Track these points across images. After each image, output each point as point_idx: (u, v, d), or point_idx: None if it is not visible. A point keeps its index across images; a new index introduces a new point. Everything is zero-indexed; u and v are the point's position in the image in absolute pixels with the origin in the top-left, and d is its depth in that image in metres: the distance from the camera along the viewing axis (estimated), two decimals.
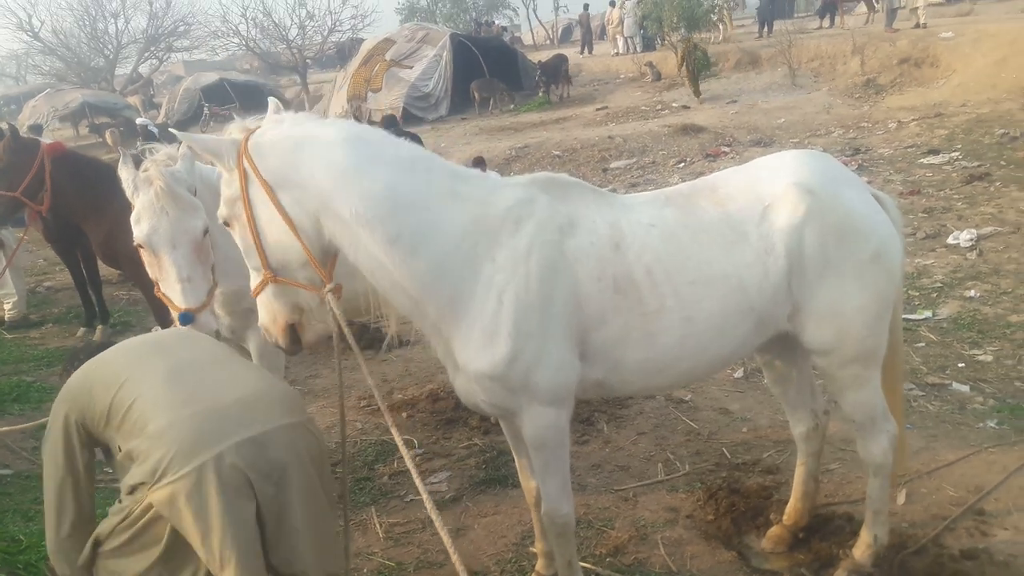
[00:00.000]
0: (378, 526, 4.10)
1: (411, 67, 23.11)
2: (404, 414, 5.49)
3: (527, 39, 42.95)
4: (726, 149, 15.09)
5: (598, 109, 20.79)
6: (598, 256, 2.81)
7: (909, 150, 13.14)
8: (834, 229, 2.92)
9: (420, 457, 4.80)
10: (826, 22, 25.27)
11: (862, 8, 24.97)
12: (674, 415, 5.13)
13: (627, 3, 26.79)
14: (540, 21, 45.93)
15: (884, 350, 3.17)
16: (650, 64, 23.96)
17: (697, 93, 19.95)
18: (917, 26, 20.01)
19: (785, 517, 3.70)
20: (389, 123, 10.41)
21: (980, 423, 4.73)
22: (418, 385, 6.07)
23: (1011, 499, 3.82)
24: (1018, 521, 3.65)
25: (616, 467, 4.51)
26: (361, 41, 31.20)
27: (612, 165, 14.97)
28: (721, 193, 3.02)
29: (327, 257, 2.70)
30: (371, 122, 21.54)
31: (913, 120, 14.93)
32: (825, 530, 3.70)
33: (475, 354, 2.73)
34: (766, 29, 25.53)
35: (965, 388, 5.22)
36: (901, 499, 3.92)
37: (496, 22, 41.05)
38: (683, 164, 14.50)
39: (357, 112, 23.06)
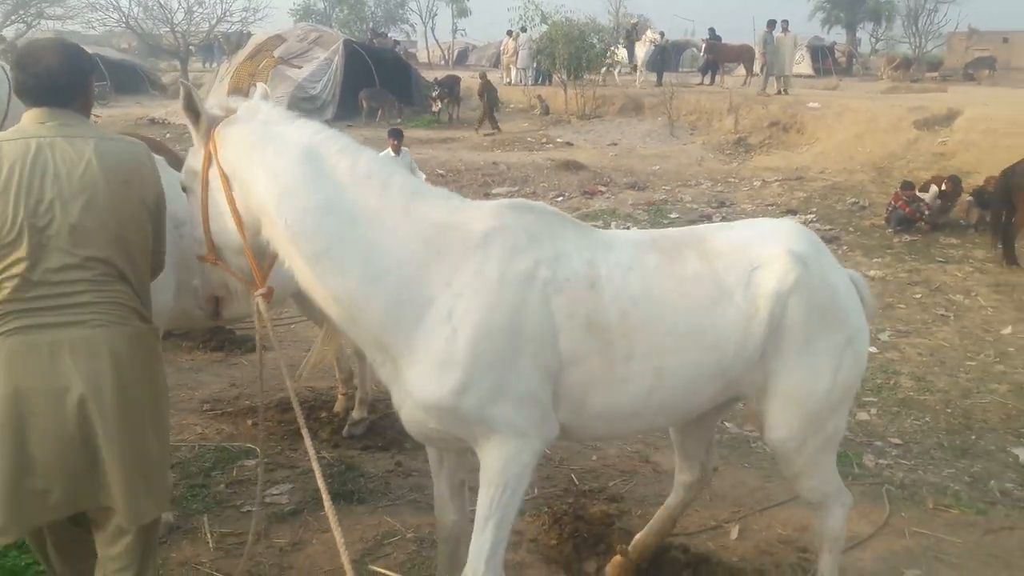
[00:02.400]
0: (209, 535, 3.87)
1: (300, 67, 22.60)
2: (250, 421, 5.24)
3: (422, 56, 42.96)
4: (603, 188, 15.58)
5: (486, 135, 20.99)
6: (572, 293, 2.67)
7: (769, 208, 13.99)
8: (819, 305, 2.86)
9: (262, 467, 4.58)
10: (708, 79, 26.65)
11: (741, 70, 26.51)
12: None
13: (521, 36, 27.31)
14: (437, 41, 46.15)
15: (841, 435, 3.12)
16: (540, 97, 24.48)
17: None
18: (778, 92, 21.45)
19: (631, 548, 3.63)
20: None
21: None
22: (268, 392, 5.79)
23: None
24: None
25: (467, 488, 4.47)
26: (250, 35, 30.22)
27: (494, 191, 15.11)
28: (709, 247, 2.91)
29: (265, 258, 2.72)
30: None
31: (776, 181, 15.94)
32: (662, 560, 3.78)
33: (423, 381, 2.58)
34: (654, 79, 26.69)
35: None
36: (734, 534, 4.07)
37: (390, 35, 40.84)
38: (562, 198, 14.82)
39: None
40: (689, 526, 4.13)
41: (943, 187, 12.37)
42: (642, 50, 26.11)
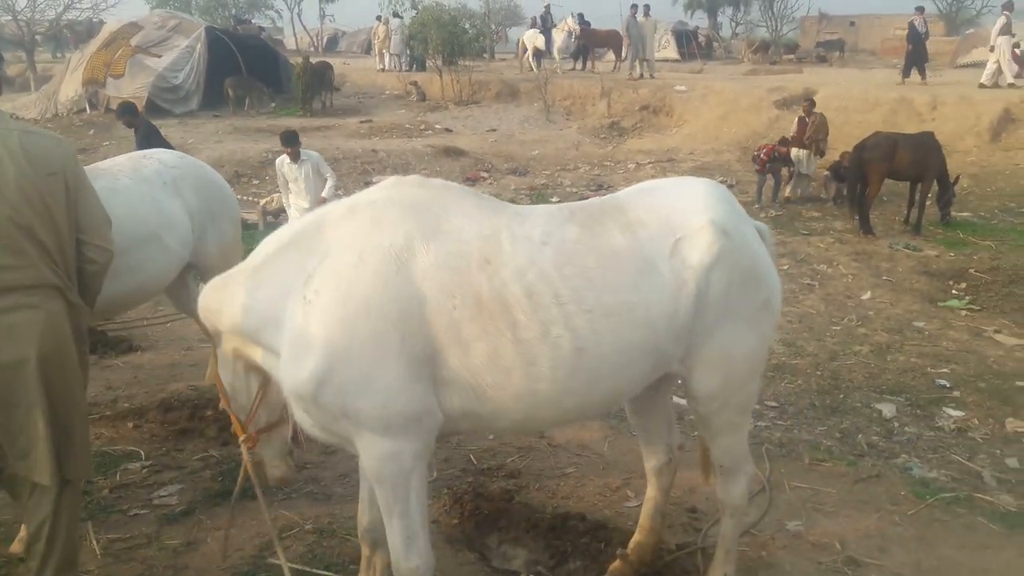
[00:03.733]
0: (95, 542, 3.67)
1: (159, 56, 21.39)
2: (131, 424, 5.00)
3: (290, 44, 41.60)
4: (485, 174, 15.64)
5: (362, 122, 20.62)
6: (457, 269, 2.53)
7: None
8: (740, 274, 2.81)
9: (148, 470, 4.40)
10: (579, 64, 27.11)
11: (611, 55, 27.11)
12: None
13: (392, 21, 26.92)
14: (305, 27, 44.83)
15: (758, 393, 3.16)
16: (415, 83, 24.23)
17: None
18: (641, 76, 22.12)
19: (630, 550, 3.54)
20: (126, 111, 9.37)
21: None
22: (148, 394, 5.55)
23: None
24: None
25: None
26: (102, 23, 28.42)
27: (375, 179, 14.86)
28: (631, 216, 2.79)
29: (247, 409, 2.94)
30: (108, 109, 19.67)
31: (649, 163, 16.47)
32: (562, 528, 3.87)
33: (284, 370, 2.56)
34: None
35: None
36: (633, 501, 4.21)
37: (255, 22, 39.33)
38: None
39: (94, 98, 20.93)
40: (585, 495, 4.25)
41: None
42: (559, 37, 25.52)
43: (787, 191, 13.37)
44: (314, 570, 3.49)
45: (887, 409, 6.03)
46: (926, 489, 4.45)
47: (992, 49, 18.51)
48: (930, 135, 11.55)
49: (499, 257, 2.59)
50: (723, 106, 18.68)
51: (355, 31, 46.58)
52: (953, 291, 9.32)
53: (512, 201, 13.70)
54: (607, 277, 2.65)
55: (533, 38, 26.00)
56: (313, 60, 23.16)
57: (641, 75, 22.18)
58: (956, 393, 6.33)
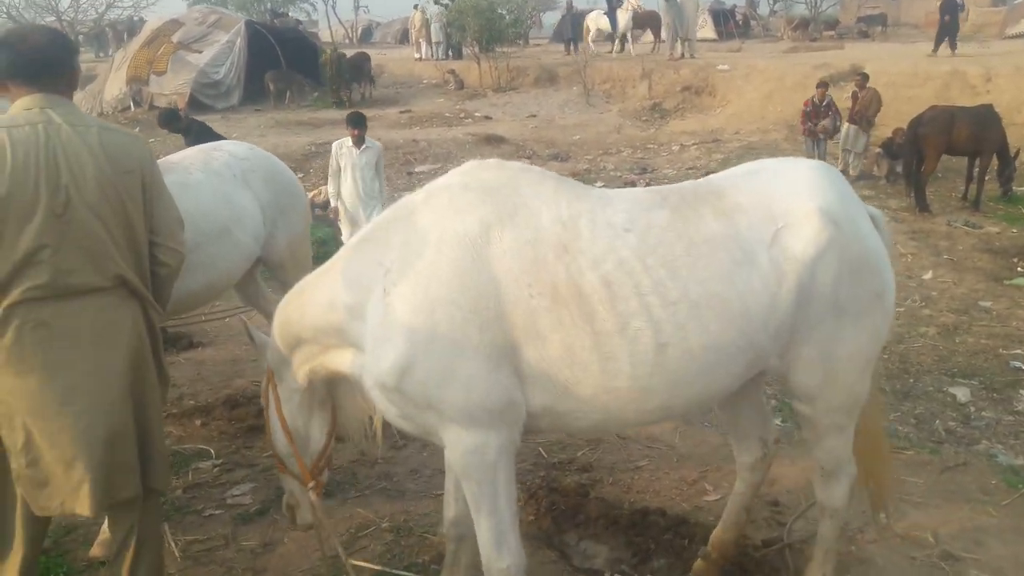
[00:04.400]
0: (174, 545, 3.67)
1: (200, 52, 21.60)
2: (198, 422, 5.00)
3: (324, 36, 41.76)
4: (526, 161, 15.51)
5: (401, 112, 20.62)
6: (533, 257, 2.40)
7: (690, 171, 14.19)
8: (850, 266, 2.58)
9: (219, 468, 4.38)
10: (618, 46, 26.78)
11: (649, 36, 26.73)
12: None
13: (430, 8, 26.84)
14: (340, 19, 44.93)
15: (867, 394, 2.90)
16: (453, 72, 24.15)
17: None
18: (683, 56, 21.74)
19: (711, 547, 3.39)
20: (167, 120, 9.24)
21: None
22: (212, 390, 5.57)
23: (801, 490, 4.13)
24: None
25: (435, 470, 4.37)
26: (143, 21, 28.79)
27: (417, 169, 14.88)
28: (729, 202, 2.58)
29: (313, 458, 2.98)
30: (152, 107, 19.93)
31: (694, 144, 16.19)
32: (642, 524, 3.77)
33: (368, 361, 2.52)
34: (572, 47, 26.52)
35: None
36: (712, 495, 4.10)
37: (291, 14, 39.55)
38: None
39: (138, 96, 21.25)
40: (662, 489, 4.16)
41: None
42: (623, 18, 24.83)
43: (839, 167, 13.04)
44: (394, 571, 3.45)
45: (961, 393, 5.84)
46: (1017, 477, 4.27)
47: None
48: (989, 107, 11.16)
49: (577, 244, 2.44)
50: (768, 84, 18.29)
51: (389, 21, 46.61)
52: (1018, 268, 9.02)
53: None
54: (696, 267, 2.46)
55: (596, 19, 25.60)
56: (349, 52, 23.20)
57: (683, 55, 21.82)
58: None
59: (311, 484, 2.95)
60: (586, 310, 2.40)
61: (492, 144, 16.30)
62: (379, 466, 4.43)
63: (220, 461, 4.48)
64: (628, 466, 4.41)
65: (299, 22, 34.35)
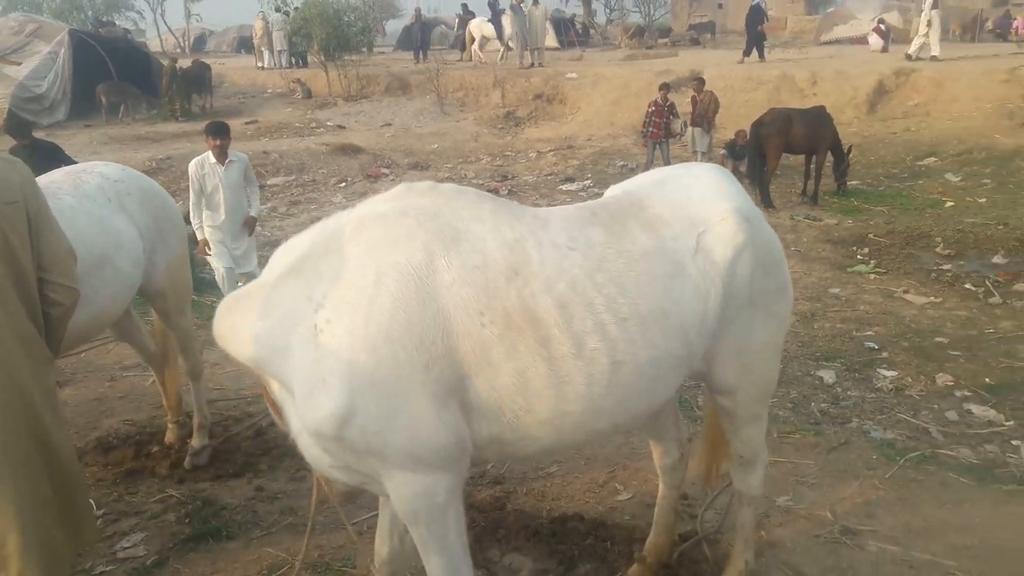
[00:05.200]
0: None
1: (19, 64, 19.81)
2: None
3: (154, 45, 39.48)
4: (386, 171, 15.30)
5: (247, 123, 19.78)
6: (483, 284, 2.30)
7: (548, 178, 14.50)
8: (761, 261, 2.69)
9: (102, 520, 3.99)
10: (466, 55, 26.93)
11: (496, 44, 27.06)
12: None
13: (271, 16, 25.96)
14: (170, 28, 42.62)
15: (777, 379, 3.04)
16: (299, 81, 23.48)
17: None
18: (532, 65, 22.21)
19: (647, 552, 3.42)
20: (19, 126, 7.68)
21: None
22: (80, 434, 5.07)
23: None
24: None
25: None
26: None
27: (270, 182, 14.33)
28: (651, 214, 2.62)
29: None
30: None
31: (550, 151, 16.55)
32: (563, 531, 3.78)
33: (301, 409, 2.30)
34: (421, 56, 26.34)
35: None
36: (623, 495, 4.17)
37: (118, 23, 37.09)
38: (345, 184, 14.39)
39: None
40: (575, 494, 4.19)
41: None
42: (507, 23, 24.20)
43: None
44: None
45: (828, 375, 6.25)
46: (893, 451, 4.63)
47: (928, 24, 18.27)
48: (822, 109, 12.11)
49: (528, 267, 2.37)
50: (614, 91, 19.00)
51: (224, 29, 44.71)
52: (858, 256, 9.80)
53: None
54: (640, 282, 2.47)
55: (480, 26, 25.40)
56: (184, 62, 22.02)
57: (532, 64, 22.26)
58: (885, 354, 6.64)
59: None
60: (541, 334, 2.33)
61: (348, 154, 15.96)
62: (280, 500, 4.20)
63: (102, 512, 4.08)
64: (539, 474, 4.41)
65: (127, 31, 32.26)
